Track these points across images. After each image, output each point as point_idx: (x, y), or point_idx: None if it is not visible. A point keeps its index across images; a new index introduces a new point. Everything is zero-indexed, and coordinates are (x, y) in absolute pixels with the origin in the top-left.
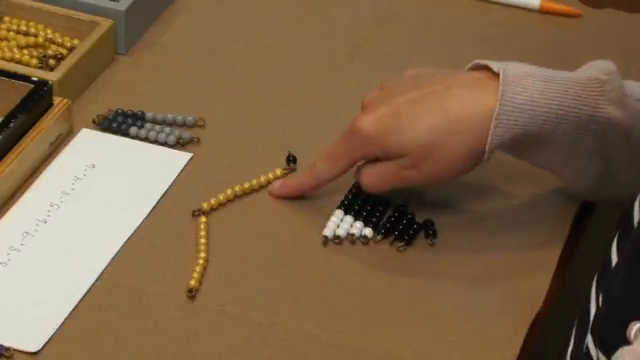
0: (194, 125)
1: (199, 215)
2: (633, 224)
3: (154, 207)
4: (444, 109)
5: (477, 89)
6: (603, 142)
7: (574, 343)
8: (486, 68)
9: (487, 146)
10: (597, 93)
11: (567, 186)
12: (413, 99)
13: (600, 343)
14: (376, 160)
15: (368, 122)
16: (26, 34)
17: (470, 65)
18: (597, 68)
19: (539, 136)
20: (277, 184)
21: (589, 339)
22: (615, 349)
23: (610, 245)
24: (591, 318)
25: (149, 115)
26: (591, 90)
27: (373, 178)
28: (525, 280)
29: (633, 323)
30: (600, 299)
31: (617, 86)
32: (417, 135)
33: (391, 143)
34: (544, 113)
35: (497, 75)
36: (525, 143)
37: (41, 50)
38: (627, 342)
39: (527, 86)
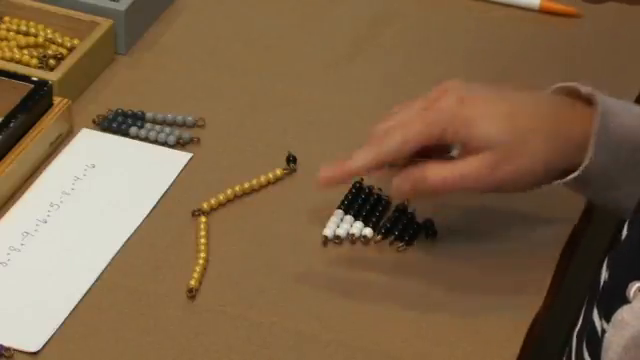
0: (194, 125)
1: (199, 215)
2: None
3: (154, 207)
4: (541, 116)
5: (570, 109)
6: None
7: (582, 322)
8: (570, 92)
9: (586, 162)
10: None
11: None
12: (507, 97)
13: (604, 313)
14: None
15: (457, 102)
16: (26, 34)
17: (554, 87)
18: None
19: (627, 165)
20: (327, 169)
21: (595, 313)
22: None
23: (622, 223)
24: (598, 294)
25: (149, 115)
26: None
27: (440, 178)
28: (525, 280)
29: (632, 283)
30: (606, 274)
31: None
32: (509, 129)
33: (482, 132)
34: (635, 137)
35: (583, 100)
36: (608, 174)
37: (41, 50)
38: (627, 302)
39: (617, 112)
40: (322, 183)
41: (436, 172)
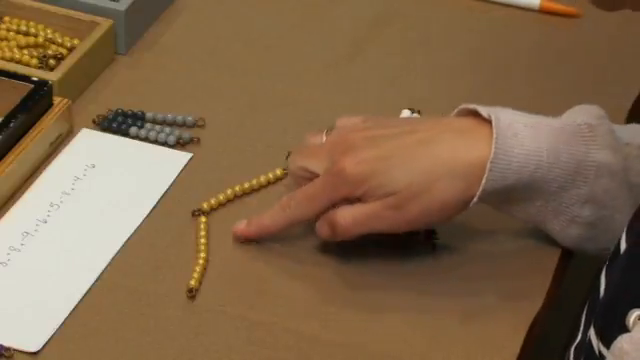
0: (194, 125)
1: (199, 215)
2: None
3: (154, 207)
4: (437, 154)
5: (469, 135)
6: (594, 188)
7: (581, 335)
8: (473, 114)
9: (479, 191)
10: (587, 138)
11: (555, 238)
12: (404, 143)
13: (600, 333)
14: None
15: (352, 163)
16: (26, 34)
17: (456, 110)
18: (585, 113)
19: (530, 183)
20: (242, 224)
21: (592, 330)
22: (614, 338)
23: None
24: (596, 310)
25: (149, 115)
26: (581, 136)
27: (350, 220)
28: (525, 280)
29: (632, 310)
30: (604, 288)
31: (607, 130)
32: (407, 175)
33: (377, 185)
34: (535, 158)
35: (486, 121)
36: (516, 192)
37: (41, 50)
38: (626, 330)
39: (517, 132)
40: (235, 237)
41: (345, 214)
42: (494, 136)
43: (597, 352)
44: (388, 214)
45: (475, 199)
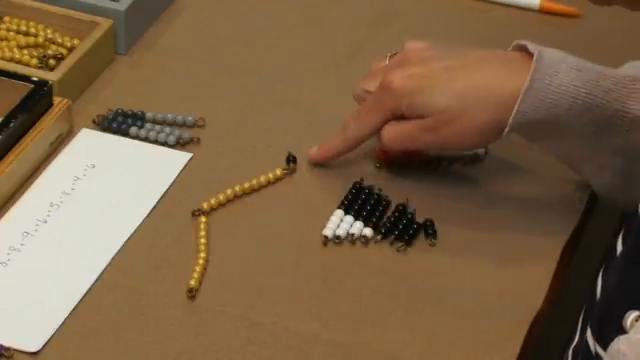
0: (194, 125)
1: (199, 215)
2: None
3: (154, 207)
4: (476, 79)
5: (511, 66)
6: (627, 140)
7: (578, 337)
8: (525, 49)
9: (510, 119)
10: (629, 90)
11: (587, 181)
12: (450, 66)
13: (597, 335)
14: (401, 119)
15: (400, 78)
16: (26, 34)
17: (511, 46)
18: (636, 68)
19: (563, 122)
20: (314, 149)
21: (588, 332)
22: (611, 340)
23: (616, 236)
24: (592, 312)
25: (149, 115)
26: (622, 86)
27: (392, 134)
28: (525, 280)
29: (629, 312)
30: (600, 290)
31: None
32: (444, 99)
33: (418, 101)
34: (571, 98)
35: (532, 56)
36: (549, 128)
37: (41, 50)
38: (623, 331)
39: (559, 70)
40: (310, 161)
41: (389, 129)
42: (531, 70)
43: (594, 353)
44: (424, 134)
45: (507, 128)
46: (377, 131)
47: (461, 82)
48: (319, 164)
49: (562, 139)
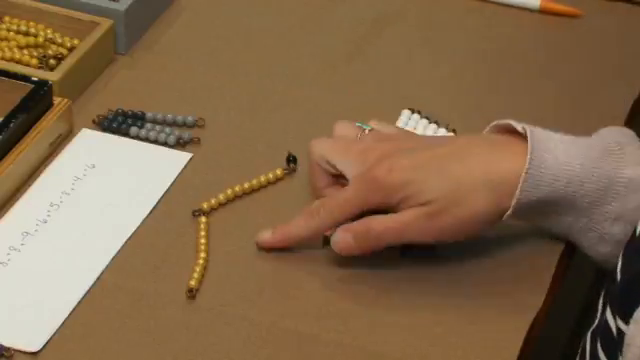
0: (194, 125)
1: (199, 215)
2: None
3: (154, 207)
4: (471, 166)
5: (501, 148)
6: (624, 204)
7: (598, 319)
8: (507, 130)
9: (513, 201)
10: (617, 155)
11: (585, 253)
12: (438, 154)
13: (619, 312)
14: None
15: (388, 171)
16: (26, 34)
17: (489, 127)
18: (614, 133)
19: (563, 197)
20: (267, 234)
21: (608, 311)
22: (633, 312)
23: None
24: (613, 294)
25: (149, 115)
26: (611, 152)
27: (383, 227)
28: (525, 280)
29: None
30: (619, 270)
31: (637, 147)
32: (442, 185)
33: (413, 192)
34: (568, 172)
35: (520, 135)
36: (549, 206)
37: (41, 50)
38: None
39: (551, 147)
40: (259, 246)
41: (380, 222)
42: (529, 148)
43: (615, 330)
44: (421, 223)
45: (510, 211)
46: (350, 219)
47: (458, 168)
48: (270, 248)
49: (560, 215)
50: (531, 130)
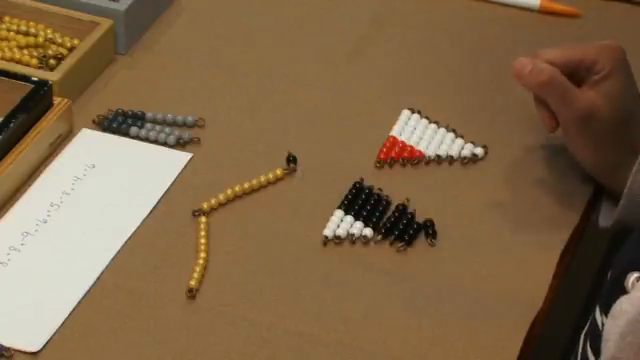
0: (194, 125)
1: (199, 215)
2: None
3: (154, 207)
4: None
5: None
6: None
7: (589, 323)
8: None
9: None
10: None
11: None
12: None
13: (604, 308)
14: None
15: None
16: (26, 34)
17: None
18: None
19: None
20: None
21: (597, 310)
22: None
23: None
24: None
25: (149, 115)
26: None
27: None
28: (525, 280)
29: (630, 273)
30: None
31: None
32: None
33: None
34: None
35: None
36: None
37: (41, 50)
38: (626, 293)
39: None
40: (515, 73)
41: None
42: None
43: (600, 325)
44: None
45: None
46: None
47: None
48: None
49: None
50: None
